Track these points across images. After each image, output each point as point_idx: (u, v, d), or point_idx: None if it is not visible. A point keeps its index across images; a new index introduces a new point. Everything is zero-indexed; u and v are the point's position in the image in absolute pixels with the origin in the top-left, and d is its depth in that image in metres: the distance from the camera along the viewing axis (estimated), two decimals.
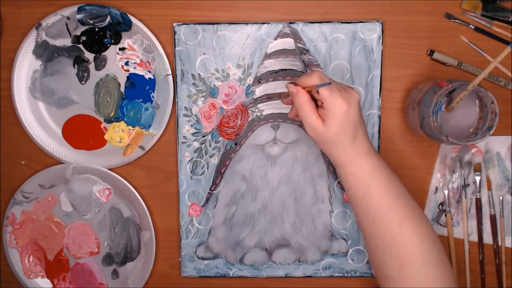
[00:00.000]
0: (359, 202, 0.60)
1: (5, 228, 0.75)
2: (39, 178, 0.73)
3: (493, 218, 0.73)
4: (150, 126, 0.72)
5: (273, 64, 0.70)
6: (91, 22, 0.70)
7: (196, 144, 0.72)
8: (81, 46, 0.71)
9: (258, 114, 0.71)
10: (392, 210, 0.58)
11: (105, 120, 0.73)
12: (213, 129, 0.72)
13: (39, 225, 0.75)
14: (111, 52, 0.71)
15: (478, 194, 0.72)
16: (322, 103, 0.56)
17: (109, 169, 0.73)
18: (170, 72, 0.70)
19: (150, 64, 0.71)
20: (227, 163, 0.72)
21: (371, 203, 0.59)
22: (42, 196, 0.74)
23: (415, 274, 0.58)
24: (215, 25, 0.69)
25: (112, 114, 0.73)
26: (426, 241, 0.59)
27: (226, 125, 0.72)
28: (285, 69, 0.70)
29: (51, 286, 0.76)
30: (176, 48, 0.70)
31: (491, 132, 0.61)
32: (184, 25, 0.69)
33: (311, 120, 0.57)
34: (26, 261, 0.76)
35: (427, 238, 0.59)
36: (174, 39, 0.70)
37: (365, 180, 0.59)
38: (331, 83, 0.55)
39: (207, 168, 0.72)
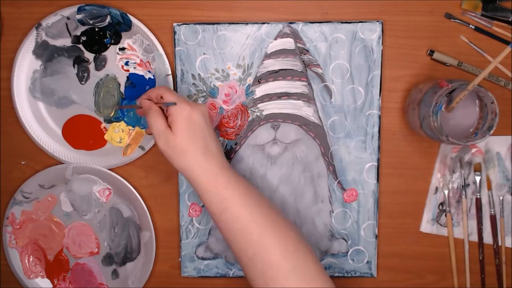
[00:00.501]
0: (218, 219, 0.59)
1: (5, 228, 0.75)
2: (39, 178, 0.73)
3: (493, 218, 0.73)
4: None
5: (273, 64, 0.70)
6: (91, 22, 0.70)
7: None
8: (81, 46, 0.71)
9: (258, 114, 0.71)
10: (250, 222, 0.57)
11: (105, 120, 0.73)
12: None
13: (39, 225, 0.75)
14: (111, 52, 0.71)
15: (478, 194, 0.72)
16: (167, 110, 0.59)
17: (109, 169, 0.73)
18: (170, 72, 0.70)
19: (150, 64, 0.71)
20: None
21: (229, 218, 0.58)
22: (42, 196, 0.74)
23: (284, 286, 0.55)
24: (215, 25, 0.69)
25: (112, 114, 0.73)
26: (288, 249, 0.56)
27: (226, 125, 0.72)
28: (285, 69, 0.70)
29: (51, 286, 0.76)
30: (176, 48, 0.70)
31: (491, 132, 0.61)
32: (184, 25, 0.69)
33: (160, 127, 0.58)
34: (26, 261, 0.76)
35: (289, 245, 0.57)
36: (174, 39, 0.70)
37: (220, 195, 0.58)
38: (176, 104, 0.58)
39: None
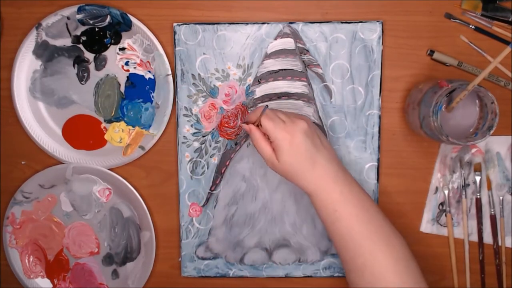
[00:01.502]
0: (329, 228, 0.60)
1: (5, 228, 0.75)
2: (39, 178, 0.73)
3: (493, 218, 0.73)
4: (150, 126, 0.72)
5: (273, 64, 0.70)
6: (91, 22, 0.70)
7: (196, 144, 0.72)
8: (81, 46, 0.71)
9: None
10: (362, 235, 0.58)
11: (105, 120, 0.73)
12: (213, 129, 0.72)
13: (39, 225, 0.75)
14: (111, 52, 0.71)
15: (478, 194, 0.72)
16: (268, 136, 0.59)
17: (109, 169, 0.73)
18: (170, 72, 0.70)
19: (150, 64, 0.71)
20: (227, 163, 0.72)
21: (340, 228, 0.59)
22: (42, 196, 0.74)
23: None
24: (215, 25, 0.69)
25: (112, 114, 0.73)
26: (399, 265, 0.58)
27: (226, 125, 0.72)
28: (285, 69, 0.70)
29: (51, 286, 0.76)
30: (176, 48, 0.70)
31: (491, 132, 0.61)
32: (184, 25, 0.69)
33: (266, 154, 0.60)
34: (26, 261, 0.76)
35: (399, 261, 0.58)
36: (174, 39, 0.70)
37: (333, 206, 0.59)
38: (267, 106, 0.59)
39: (207, 168, 0.72)
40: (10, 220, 0.75)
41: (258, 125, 0.61)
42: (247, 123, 0.61)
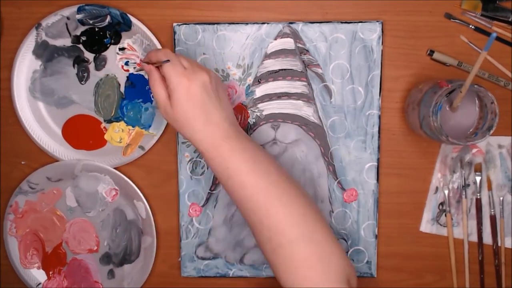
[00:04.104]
0: (224, 185, 0.58)
1: (7, 216, 0.75)
2: (48, 171, 0.73)
3: (493, 219, 0.73)
4: (150, 126, 0.72)
5: (273, 64, 0.70)
6: (91, 22, 0.70)
7: None
8: (81, 46, 0.71)
9: (258, 114, 0.71)
10: (255, 190, 0.56)
11: (105, 120, 0.73)
12: None
13: (41, 217, 0.75)
14: (111, 52, 0.71)
15: (478, 195, 0.72)
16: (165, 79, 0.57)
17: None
18: None
19: None
20: None
21: (234, 186, 0.57)
22: (47, 188, 0.74)
23: (287, 254, 0.54)
24: (215, 25, 0.69)
25: (112, 114, 0.73)
26: (295, 216, 0.55)
27: None
28: (285, 69, 0.70)
29: (46, 278, 0.76)
30: (176, 48, 0.70)
31: (491, 132, 0.61)
32: (184, 25, 0.69)
33: (161, 99, 0.58)
34: (24, 250, 0.76)
35: (297, 212, 0.56)
36: (174, 39, 0.70)
37: (225, 164, 0.57)
38: (169, 61, 0.56)
39: (207, 168, 0.72)
40: (13, 209, 0.75)
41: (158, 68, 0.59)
42: (148, 62, 0.59)
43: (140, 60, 0.61)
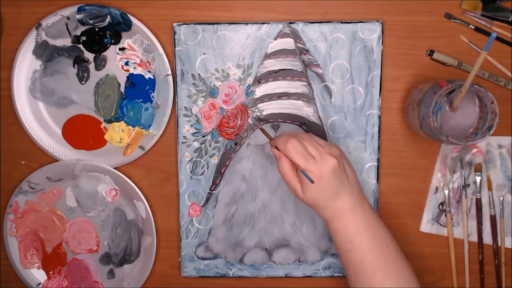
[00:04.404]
0: (342, 255, 0.61)
1: (7, 216, 0.75)
2: (48, 171, 0.73)
3: (493, 219, 0.73)
4: (150, 126, 0.72)
5: (273, 64, 0.70)
6: (91, 22, 0.70)
7: (196, 144, 0.72)
8: (81, 46, 0.71)
9: (258, 114, 0.71)
10: (373, 267, 0.59)
11: (105, 120, 0.73)
12: (213, 129, 0.72)
13: (41, 217, 0.75)
14: (111, 52, 0.71)
15: (478, 194, 0.72)
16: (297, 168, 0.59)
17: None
18: (170, 72, 0.70)
19: (150, 64, 0.71)
20: (227, 163, 0.72)
21: (353, 258, 0.60)
22: (48, 188, 0.74)
23: None
24: (215, 25, 0.69)
25: (112, 114, 0.73)
26: None
27: (226, 125, 0.72)
28: (285, 69, 0.70)
29: (46, 278, 0.76)
30: (176, 48, 0.70)
31: (491, 132, 0.61)
32: (184, 25, 0.69)
33: (291, 185, 0.60)
34: (24, 250, 0.76)
35: None
36: (174, 39, 0.70)
37: (348, 237, 0.60)
38: (313, 182, 0.58)
39: (207, 168, 0.72)
40: (13, 209, 0.75)
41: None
42: (276, 148, 0.61)
43: (271, 148, 0.62)
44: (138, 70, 0.71)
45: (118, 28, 0.70)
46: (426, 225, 0.74)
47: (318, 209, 0.61)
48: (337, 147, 0.61)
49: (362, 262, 0.59)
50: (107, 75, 0.72)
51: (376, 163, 0.71)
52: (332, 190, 0.59)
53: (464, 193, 0.72)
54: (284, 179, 0.61)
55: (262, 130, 0.64)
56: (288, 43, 0.70)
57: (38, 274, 0.77)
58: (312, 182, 0.57)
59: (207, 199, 0.73)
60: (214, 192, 0.73)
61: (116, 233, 0.75)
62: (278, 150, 0.60)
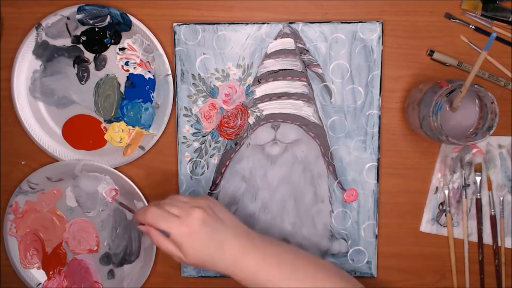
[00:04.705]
0: None
1: (7, 216, 0.75)
2: (48, 171, 0.73)
3: (493, 219, 0.73)
4: (150, 126, 0.72)
5: (273, 64, 0.70)
6: (91, 22, 0.70)
7: (196, 144, 0.72)
8: (81, 46, 0.71)
9: (258, 114, 0.71)
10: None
11: (105, 120, 0.73)
12: (213, 129, 0.72)
13: (41, 217, 0.75)
14: (111, 52, 0.71)
15: (478, 195, 0.72)
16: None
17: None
18: (170, 72, 0.70)
19: (150, 64, 0.71)
20: (227, 163, 0.72)
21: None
22: (48, 188, 0.74)
23: None
24: (215, 25, 0.69)
25: (112, 114, 0.73)
26: None
27: (226, 125, 0.72)
28: (285, 69, 0.70)
29: (46, 278, 0.76)
30: (176, 48, 0.70)
31: (491, 132, 0.61)
32: (184, 25, 0.69)
33: (172, 253, 0.58)
34: (24, 250, 0.76)
35: None
36: (174, 39, 0.70)
37: (255, 278, 0.58)
38: (169, 236, 0.56)
39: (207, 168, 0.72)
40: (13, 209, 0.75)
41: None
42: (141, 224, 0.59)
43: (139, 226, 0.61)
44: (138, 70, 0.72)
45: (118, 28, 0.70)
46: (426, 225, 0.74)
47: (211, 266, 0.58)
48: (206, 198, 0.60)
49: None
50: (107, 75, 0.72)
51: (376, 163, 0.71)
52: (209, 240, 0.57)
53: (464, 193, 0.72)
54: (163, 250, 0.59)
55: (123, 206, 0.64)
56: (288, 43, 0.70)
57: (38, 274, 0.77)
58: (167, 235, 0.56)
59: None
60: (214, 192, 0.73)
61: (116, 233, 0.75)
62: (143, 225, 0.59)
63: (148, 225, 0.58)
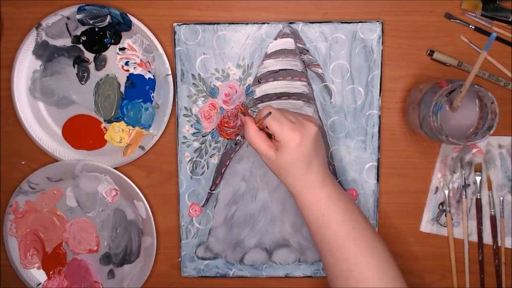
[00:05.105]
0: (315, 232, 0.60)
1: (7, 216, 0.75)
2: (48, 171, 0.73)
3: (493, 219, 0.73)
4: (150, 126, 0.72)
5: (273, 64, 0.70)
6: (91, 22, 0.70)
7: (196, 144, 0.72)
8: (81, 46, 0.71)
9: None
10: (347, 240, 0.59)
11: (105, 120, 0.73)
12: (213, 129, 0.72)
13: (41, 217, 0.75)
14: (111, 52, 0.71)
15: (478, 194, 0.72)
16: (274, 136, 0.58)
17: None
18: (170, 72, 0.70)
19: (150, 64, 0.71)
20: (227, 163, 0.72)
21: (326, 233, 0.59)
22: (48, 188, 0.74)
23: None
24: (215, 25, 0.69)
25: (112, 114, 0.73)
26: (381, 268, 0.58)
27: (226, 125, 0.72)
28: (285, 69, 0.70)
29: (46, 278, 0.76)
30: (176, 48, 0.70)
31: (491, 132, 0.61)
32: (184, 25, 0.69)
33: (262, 150, 0.59)
34: (24, 250, 0.76)
35: (381, 264, 0.59)
36: (174, 39, 0.70)
37: (320, 211, 0.59)
38: (271, 113, 0.57)
39: (207, 168, 0.72)
40: (13, 209, 0.75)
41: (261, 127, 0.60)
42: (245, 114, 0.60)
43: (240, 111, 0.63)
44: (138, 70, 0.72)
45: (118, 28, 0.70)
46: (426, 225, 0.74)
47: (288, 179, 0.59)
48: (315, 119, 0.61)
49: (335, 236, 0.58)
50: (107, 75, 0.72)
51: (376, 163, 0.71)
52: (308, 158, 0.58)
53: (464, 193, 0.72)
54: (252, 144, 0.59)
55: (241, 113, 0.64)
56: (288, 43, 0.70)
57: (38, 274, 0.76)
58: (270, 113, 0.57)
59: (207, 199, 0.73)
60: (214, 192, 0.73)
61: (116, 233, 0.75)
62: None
63: (257, 120, 0.60)
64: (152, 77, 0.71)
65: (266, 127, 0.59)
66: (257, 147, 0.60)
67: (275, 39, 0.70)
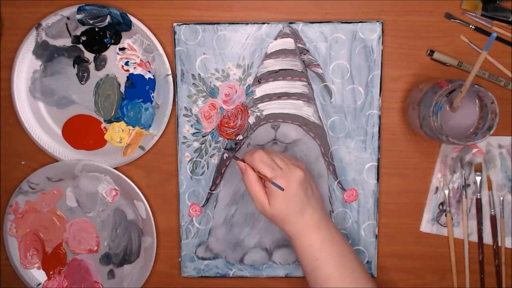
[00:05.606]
0: (309, 274, 0.61)
1: (7, 216, 0.75)
2: (48, 171, 0.73)
3: (493, 219, 0.73)
4: (150, 126, 0.72)
5: (273, 64, 0.70)
6: (91, 22, 0.70)
7: (196, 144, 0.72)
8: (81, 46, 0.71)
9: (258, 114, 0.71)
10: (339, 285, 0.59)
11: (105, 120, 0.73)
12: (213, 129, 0.72)
13: (41, 217, 0.75)
14: (111, 52, 0.71)
15: (478, 194, 0.72)
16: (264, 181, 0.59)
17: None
18: (170, 72, 0.70)
19: (150, 64, 0.71)
20: (227, 163, 0.72)
21: (319, 277, 0.60)
22: (48, 188, 0.74)
23: None
24: (215, 25, 0.69)
25: (112, 114, 0.73)
26: None
27: (226, 125, 0.72)
28: (285, 69, 0.70)
29: (46, 278, 0.76)
30: (176, 48, 0.70)
31: (491, 132, 0.61)
32: (184, 25, 0.69)
33: (258, 198, 0.60)
34: (24, 250, 0.76)
35: None
36: (174, 39, 0.70)
37: (313, 255, 0.60)
38: (283, 190, 0.58)
39: (207, 168, 0.72)
40: (13, 209, 0.75)
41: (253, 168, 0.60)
42: (242, 160, 0.61)
43: (233, 156, 0.63)
44: (138, 70, 0.72)
45: (118, 28, 0.70)
46: (426, 225, 0.74)
47: (285, 225, 0.60)
48: (303, 163, 0.62)
49: (328, 281, 0.60)
50: (107, 75, 0.72)
51: (376, 163, 0.71)
52: (299, 203, 0.59)
53: (464, 193, 0.72)
54: (250, 192, 0.60)
55: (232, 157, 0.65)
56: (288, 43, 0.70)
57: (38, 274, 0.77)
58: (282, 189, 0.57)
59: (207, 199, 0.73)
60: (214, 192, 0.73)
61: (116, 233, 0.75)
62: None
63: (250, 165, 0.60)
64: (152, 77, 0.71)
65: (258, 171, 0.59)
66: (254, 195, 0.60)
67: (275, 39, 0.70)
